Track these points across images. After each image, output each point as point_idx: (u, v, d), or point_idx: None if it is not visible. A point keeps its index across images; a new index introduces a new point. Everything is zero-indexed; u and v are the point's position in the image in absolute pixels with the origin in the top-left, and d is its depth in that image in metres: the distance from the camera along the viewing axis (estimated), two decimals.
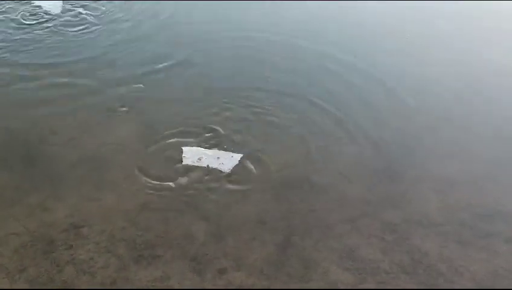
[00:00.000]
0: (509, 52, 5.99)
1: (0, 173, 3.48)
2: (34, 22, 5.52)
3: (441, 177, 3.99)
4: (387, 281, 3.03)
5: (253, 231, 3.30)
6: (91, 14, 5.80)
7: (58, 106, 4.25)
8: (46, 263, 2.82)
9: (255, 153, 3.95)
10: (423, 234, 3.44)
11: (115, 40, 5.37)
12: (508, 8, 6.97)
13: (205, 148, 3.87)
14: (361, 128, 4.45)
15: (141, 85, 4.59)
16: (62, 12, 5.77)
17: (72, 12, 5.80)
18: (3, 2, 5.82)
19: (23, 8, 5.79)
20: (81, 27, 5.54)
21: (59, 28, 5.49)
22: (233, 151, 3.85)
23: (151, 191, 3.48)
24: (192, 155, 3.79)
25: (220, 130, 4.14)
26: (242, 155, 3.71)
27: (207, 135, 4.05)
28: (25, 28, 5.41)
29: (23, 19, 5.56)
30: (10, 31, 5.37)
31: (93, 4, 6.02)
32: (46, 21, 5.55)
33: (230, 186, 3.63)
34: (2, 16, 5.63)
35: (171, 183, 3.58)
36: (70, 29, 5.49)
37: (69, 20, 5.67)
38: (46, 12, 5.71)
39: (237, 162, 3.66)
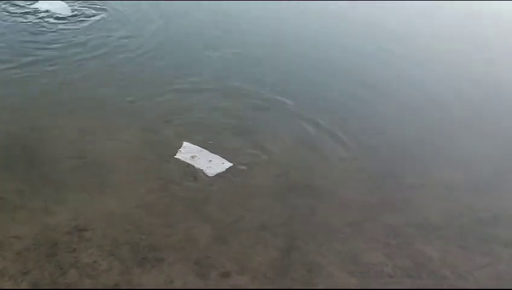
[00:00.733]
0: None
1: (3, 176, 3.44)
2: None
3: (441, 181, 4.01)
4: (391, 285, 3.01)
5: (256, 234, 3.28)
6: None
7: None
8: (50, 266, 2.80)
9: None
10: (426, 238, 3.45)
11: None
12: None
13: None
14: (361, 132, 4.47)
15: None
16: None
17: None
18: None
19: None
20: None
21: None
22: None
23: (153, 193, 3.47)
24: (188, 151, 3.82)
25: None
26: (232, 165, 3.71)
27: None
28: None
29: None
30: None
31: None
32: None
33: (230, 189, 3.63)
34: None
35: (172, 185, 3.57)
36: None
37: None
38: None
39: (224, 170, 3.67)
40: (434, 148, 4.41)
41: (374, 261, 3.18)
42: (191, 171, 3.68)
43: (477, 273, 3.20)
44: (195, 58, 5.38)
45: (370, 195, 3.79)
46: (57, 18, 5.79)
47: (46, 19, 5.76)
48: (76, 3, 6.18)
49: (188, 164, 3.72)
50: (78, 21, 5.82)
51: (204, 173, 3.63)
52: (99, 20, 5.92)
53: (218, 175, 3.67)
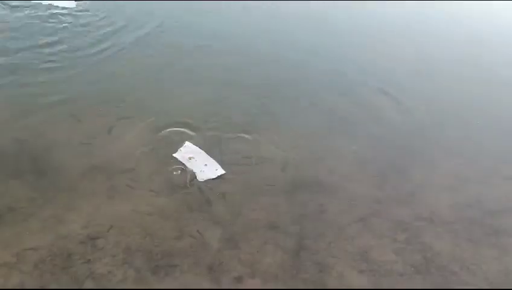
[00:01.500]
0: None
1: (14, 185, 3.47)
2: None
3: (449, 173, 4.02)
4: (402, 283, 3.06)
5: (266, 234, 3.32)
6: None
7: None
8: (66, 278, 2.85)
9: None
10: (434, 232, 3.48)
11: None
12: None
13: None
14: (364, 125, 4.47)
15: None
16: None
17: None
18: None
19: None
20: None
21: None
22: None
23: (162, 197, 3.49)
24: (187, 152, 3.84)
25: None
26: (225, 172, 3.71)
27: None
28: None
29: None
30: None
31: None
32: None
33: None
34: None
35: (179, 188, 3.59)
36: None
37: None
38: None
39: (215, 177, 3.67)
40: (440, 139, 4.41)
41: (384, 259, 3.22)
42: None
43: (485, 266, 3.24)
44: None
45: (377, 189, 3.81)
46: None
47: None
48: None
49: (183, 164, 3.72)
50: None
51: (195, 177, 3.63)
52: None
53: (209, 181, 3.64)
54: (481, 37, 6.63)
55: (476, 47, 6.27)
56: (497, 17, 7.29)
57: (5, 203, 3.32)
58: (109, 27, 5.70)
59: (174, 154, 3.79)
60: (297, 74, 5.28)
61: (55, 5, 5.88)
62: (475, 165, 4.12)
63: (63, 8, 5.93)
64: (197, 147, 3.88)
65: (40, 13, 5.79)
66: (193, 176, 3.67)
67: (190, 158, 3.76)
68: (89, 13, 5.94)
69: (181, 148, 3.87)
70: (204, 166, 3.70)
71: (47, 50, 5.08)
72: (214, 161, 3.76)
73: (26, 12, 5.75)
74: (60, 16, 5.69)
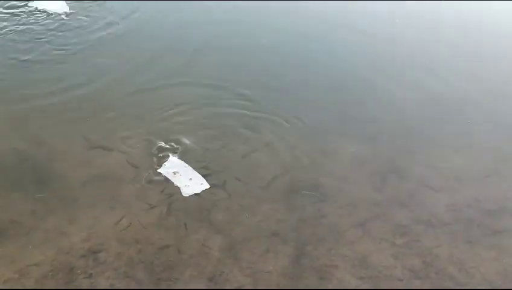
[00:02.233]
0: None
1: (15, 197, 3.49)
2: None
3: (446, 172, 4.04)
4: (401, 288, 3.10)
5: (266, 242, 3.35)
6: None
7: None
8: None
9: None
10: (433, 234, 3.51)
11: None
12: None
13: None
14: (360, 125, 4.47)
15: None
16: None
17: None
18: None
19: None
20: None
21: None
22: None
23: (161, 207, 3.52)
24: (171, 166, 3.82)
25: None
26: (209, 187, 3.71)
27: None
28: None
29: None
30: None
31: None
32: None
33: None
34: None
35: (178, 195, 3.61)
36: None
37: None
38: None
39: (199, 191, 3.66)
40: (435, 137, 4.41)
41: (383, 264, 3.26)
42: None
43: (483, 268, 3.28)
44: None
45: (376, 192, 3.83)
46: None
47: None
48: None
49: (168, 179, 3.73)
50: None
51: (180, 192, 3.63)
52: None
53: (194, 195, 3.64)
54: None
55: (475, 39, 6.23)
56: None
57: (8, 216, 3.35)
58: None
59: (158, 170, 3.77)
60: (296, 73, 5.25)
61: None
62: (472, 161, 4.13)
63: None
64: (182, 161, 3.86)
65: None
66: (178, 190, 3.65)
67: (175, 173, 3.74)
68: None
69: (165, 163, 3.84)
70: (189, 180, 3.70)
71: None
72: (198, 175, 3.75)
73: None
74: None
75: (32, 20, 5.60)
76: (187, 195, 3.59)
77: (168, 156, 3.92)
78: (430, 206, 3.72)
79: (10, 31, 5.39)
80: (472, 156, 4.21)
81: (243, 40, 5.71)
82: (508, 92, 5.20)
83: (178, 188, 3.66)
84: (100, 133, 4.12)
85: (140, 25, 5.79)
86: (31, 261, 3.06)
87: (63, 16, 5.68)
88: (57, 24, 5.62)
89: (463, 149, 4.28)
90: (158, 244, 3.25)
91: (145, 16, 5.98)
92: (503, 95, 5.12)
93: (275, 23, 6.13)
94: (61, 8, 5.82)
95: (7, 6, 5.83)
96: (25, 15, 5.69)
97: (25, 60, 4.95)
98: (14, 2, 5.87)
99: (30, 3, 5.84)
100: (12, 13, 5.72)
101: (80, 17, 5.79)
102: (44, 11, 5.76)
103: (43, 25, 5.56)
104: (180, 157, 3.93)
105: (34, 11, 5.77)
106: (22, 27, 5.47)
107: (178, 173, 3.76)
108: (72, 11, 5.86)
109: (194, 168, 3.83)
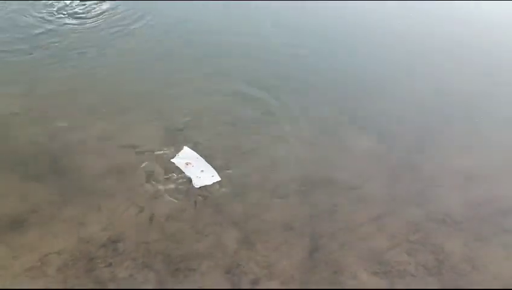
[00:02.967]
0: None
1: (35, 188, 3.55)
2: None
3: (460, 170, 4.07)
4: (414, 285, 3.15)
5: (281, 235, 3.40)
6: None
7: None
8: (89, 281, 2.96)
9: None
10: (446, 232, 3.55)
11: None
12: None
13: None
14: (375, 121, 4.51)
15: None
16: None
17: None
18: None
19: None
20: None
21: None
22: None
23: (178, 198, 3.57)
24: (184, 157, 3.87)
25: None
26: (220, 179, 3.75)
27: None
28: None
29: None
30: None
31: None
32: None
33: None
34: None
35: (194, 189, 3.67)
36: None
37: None
38: None
39: (210, 183, 3.70)
40: (450, 135, 4.44)
41: (397, 259, 3.30)
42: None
43: (495, 266, 3.31)
44: None
45: (389, 188, 3.87)
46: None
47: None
48: None
49: (180, 170, 3.77)
50: None
51: (191, 183, 3.68)
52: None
53: (210, 187, 3.67)
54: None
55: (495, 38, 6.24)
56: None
57: (29, 205, 3.41)
58: None
59: (172, 160, 3.82)
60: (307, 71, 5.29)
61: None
62: (485, 159, 4.16)
63: None
64: (195, 153, 3.91)
65: None
66: (190, 181, 3.69)
67: (187, 164, 3.79)
68: None
69: (179, 154, 3.89)
70: (200, 172, 3.74)
71: None
72: (210, 167, 3.79)
73: None
74: None
75: None
76: (198, 186, 3.64)
77: (182, 147, 3.97)
78: (443, 203, 3.76)
79: None
80: (484, 154, 4.23)
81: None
82: None
83: (190, 179, 3.70)
84: (117, 124, 4.17)
85: None
86: (52, 249, 3.12)
87: None
88: None
89: (475, 147, 4.30)
90: (175, 236, 3.30)
91: None
92: None
93: (292, 23, 6.14)
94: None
95: None
96: None
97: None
98: None
99: None
100: None
101: None
102: None
103: None
104: (194, 149, 3.97)
105: None
106: None
107: (190, 164, 3.81)
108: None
109: (209, 160, 3.87)
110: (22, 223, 3.27)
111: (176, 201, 3.56)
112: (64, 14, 5.77)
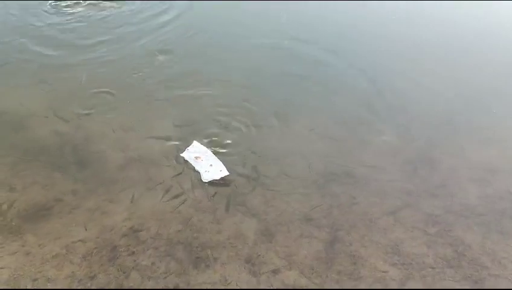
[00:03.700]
0: None
1: (58, 177, 3.64)
2: None
3: (478, 162, 4.05)
4: (433, 276, 3.16)
5: (300, 227, 3.43)
6: None
7: None
8: (113, 269, 3.03)
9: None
10: (465, 224, 3.54)
11: None
12: None
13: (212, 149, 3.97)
14: (392, 114, 4.50)
15: None
16: None
17: None
18: None
19: None
20: None
21: None
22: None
23: (199, 190, 3.62)
24: (194, 152, 3.91)
25: None
26: (228, 174, 3.76)
27: None
28: None
29: None
30: None
31: None
32: None
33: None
34: None
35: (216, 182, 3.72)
36: None
37: None
38: None
39: (218, 178, 3.72)
40: (467, 128, 4.42)
41: (415, 252, 3.31)
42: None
43: None
44: None
45: (407, 180, 3.87)
46: None
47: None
48: None
49: (190, 164, 3.81)
50: None
51: (199, 177, 3.71)
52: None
53: (212, 182, 3.70)
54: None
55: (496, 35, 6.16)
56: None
57: (52, 195, 3.49)
58: None
59: (181, 154, 3.86)
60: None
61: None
62: (504, 154, 4.14)
63: None
64: (204, 147, 3.94)
65: None
66: (198, 175, 3.73)
67: (196, 158, 3.82)
68: None
69: (189, 148, 3.93)
70: (209, 166, 3.77)
71: None
72: (219, 161, 3.81)
73: None
74: None
75: None
76: (206, 181, 3.68)
77: (192, 141, 4.01)
78: (462, 196, 3.75)
79: None
80: (504, 147, 4.20)
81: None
82: None
83: (198, 173, 3.73)
84: (136, 117, 4.24)
85: None
86: (76, 237, 3.20)
87: None
88: None
89: (494, 140, 4.27)
90: (196, 226, 3.36)
91: None
92: None
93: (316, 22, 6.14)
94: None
95: None
96: None
97: None
98: None
99: None
100: None
101: None
102: None
103: None
104: (205, 143, 4.01)
105: None
106: None
107: (199, 158, 3.84)
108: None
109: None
110: (47, 212, 3.35)
111: (194, 192, 3.60)
112: None
